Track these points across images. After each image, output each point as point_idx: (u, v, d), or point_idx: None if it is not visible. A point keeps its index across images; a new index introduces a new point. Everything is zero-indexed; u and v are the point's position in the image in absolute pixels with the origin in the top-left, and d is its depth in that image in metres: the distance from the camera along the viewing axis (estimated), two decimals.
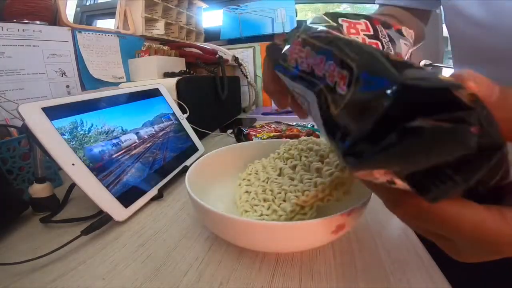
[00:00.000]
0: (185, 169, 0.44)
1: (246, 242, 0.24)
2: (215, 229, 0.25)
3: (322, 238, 0.22)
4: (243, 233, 0.22)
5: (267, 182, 0.29)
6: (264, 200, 0.27)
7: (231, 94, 0.78)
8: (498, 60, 0.30)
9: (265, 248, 0.24)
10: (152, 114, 0.45)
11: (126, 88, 0.43)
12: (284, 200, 0.26)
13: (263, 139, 0.53)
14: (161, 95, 0.50)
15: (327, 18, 0.22)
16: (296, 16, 1.05)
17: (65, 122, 0.31)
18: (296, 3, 1.06)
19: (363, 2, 1.13)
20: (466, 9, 0.31)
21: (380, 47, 0.23)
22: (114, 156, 0.34)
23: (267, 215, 0.25)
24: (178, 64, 0.76)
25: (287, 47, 0.19)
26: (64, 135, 0.30)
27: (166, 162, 0.42)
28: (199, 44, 0.88)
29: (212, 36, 1.10)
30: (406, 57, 0.27)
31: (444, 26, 0.38)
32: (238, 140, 0.58)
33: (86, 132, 0.33)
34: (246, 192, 0.30)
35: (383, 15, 0.44)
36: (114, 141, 0.35)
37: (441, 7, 0.38)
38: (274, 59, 0.22)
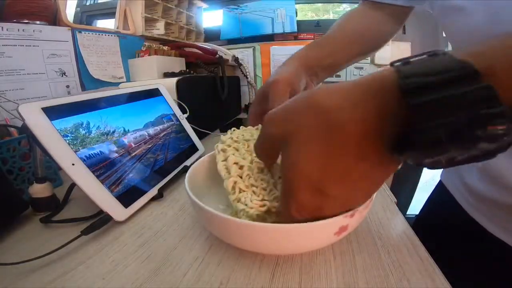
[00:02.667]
0: (185, 169, 0.44)
1: (246, 244, 0.23)
2: (215, 231, 0.25)
3: (325, 239, 0.22)
4: (244, 236, 0.22)
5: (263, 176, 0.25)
6: (262, 181, 0.24)
7: (231, 94, 0.78)
8: None
9: (266, 250, 0.24)
10: (153, 114, 0.45)
11: (126, 88, 0.43)
12: None
13: None
14: (161, 95, 0.50)
15: None
16: (296, 16, 1.05)
17: (66, 123, 0.31)
18: (296, 3, 1.05)
19: None
20: (468, 10, 0.30)
21: None
22: (115, 157, 0.34)
23: (269, 200, 0.23)
24: (178, 64, 0.76)
25: None
26: (68, 136, 0.30)
27: (166, 162, 0.42)
28: (199, 44, 0.88)
29: (212, 36, 1.10)
30: None
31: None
32: None
33: (88, 133, 0.33)
34: (236, 164, 0.25)
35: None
36: (116, 142, 0.35)
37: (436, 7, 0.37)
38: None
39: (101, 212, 0.30)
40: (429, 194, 0.52)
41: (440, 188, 0.47)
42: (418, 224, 0.50)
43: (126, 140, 0.37)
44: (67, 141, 0.30)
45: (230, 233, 0.23)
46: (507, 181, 0.31)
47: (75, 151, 0.30)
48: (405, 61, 0.15)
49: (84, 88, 0.63)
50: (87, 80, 0.63)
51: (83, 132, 0.32)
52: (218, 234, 0.25)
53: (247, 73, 0.99)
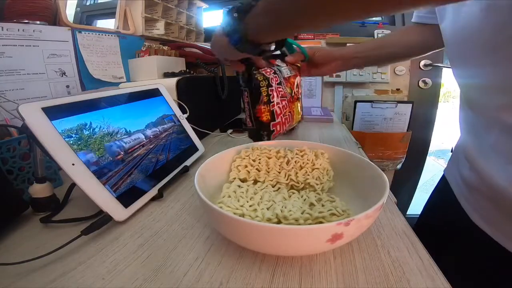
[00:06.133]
0: (185, 169, 0.44)
1: (245, 241, 0.24)
2: (222, 230, 0.25)
3: (317, 245, 0.22)
4: (242, 234, 0.23)
5: (262, 189, 0.32)
6: (251, 199, 0.29)
7: (231, 94, 0.78)
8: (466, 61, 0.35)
9: (261, 249, 0.24)
10: (154, 115, 0.45)
11: (127, 88, 0.43)
12: (268, 209, 0.27)
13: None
14: (161, 95, 0.50)
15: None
16: None
17: (66, 123, 0.31)
18: None
19: None
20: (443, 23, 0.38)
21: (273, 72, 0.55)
22: (117, 157, 0.34)
23: (246, 208, 0.27)
24: (178, 64, 0.76)
25: None
26: (72, 136, 0.30)
27: (166, 163, 0.42)
28: (199, 44, 0.88)
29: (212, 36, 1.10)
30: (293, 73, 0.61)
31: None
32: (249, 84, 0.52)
33: (92, 134, 0.33)
34: (239, 186, 0.32)
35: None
36: (117, 142, 0.35)
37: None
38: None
39: (101, 212, 0.30)
40: (429, 194, 0.53)
41: (443, 185, 0.48)
42: (421, 223, 0.51)
43: (127, 141, 0.37)
44: (71, 142, 0.30)
45: (233, 230, 0.24)
46: (477, 165, 0.35)
47: (77, 152, 0.30)
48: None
49: (84, 88, 0.63)
50: (87, 80, 0.63)
51: (87, 133, 0.32)
52: (221, 230, 0.26)
53: None
